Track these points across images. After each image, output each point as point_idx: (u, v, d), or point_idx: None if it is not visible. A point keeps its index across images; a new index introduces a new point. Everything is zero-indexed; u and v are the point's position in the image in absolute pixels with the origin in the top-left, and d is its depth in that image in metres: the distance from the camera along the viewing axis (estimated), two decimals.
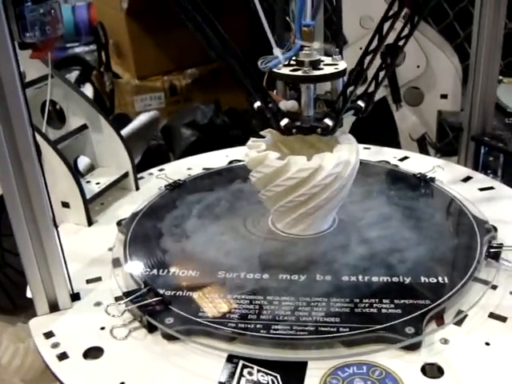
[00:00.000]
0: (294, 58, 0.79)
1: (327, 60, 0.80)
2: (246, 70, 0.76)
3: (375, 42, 0.76)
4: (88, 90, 1.98)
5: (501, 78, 1.34)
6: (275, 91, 0.81)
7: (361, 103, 0.82)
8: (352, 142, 0.79)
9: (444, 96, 1.53)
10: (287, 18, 0.77)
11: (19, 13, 0.71)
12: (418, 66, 1.53)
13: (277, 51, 0.77)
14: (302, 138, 0.82)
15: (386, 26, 0.75)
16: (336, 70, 0.78)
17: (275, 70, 0.78)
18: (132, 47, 2.17)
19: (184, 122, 1.93)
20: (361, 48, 0.78)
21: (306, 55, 0.77)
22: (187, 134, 1.91)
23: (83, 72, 2.11)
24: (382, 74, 0.81)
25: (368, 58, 0.77)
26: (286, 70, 0.78)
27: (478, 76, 1.11)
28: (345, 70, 0.79)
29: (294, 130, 0.78)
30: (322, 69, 0.78)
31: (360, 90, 0.81)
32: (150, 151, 1.81)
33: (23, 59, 0.88)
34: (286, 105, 0.79)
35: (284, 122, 0.78)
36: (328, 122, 0.77)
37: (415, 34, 1.48)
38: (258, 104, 0.80)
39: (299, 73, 0.77)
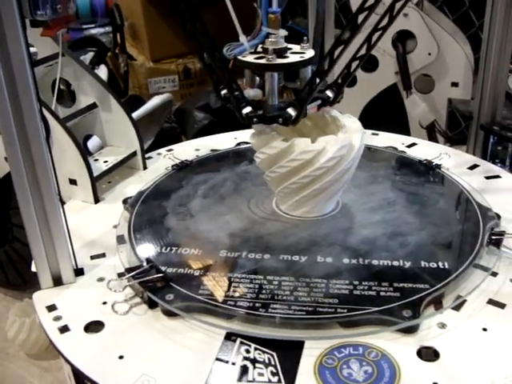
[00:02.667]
0: (261, 45, 0.77)
1: (296, 48, 0.79)
2: (213, 56, 0.75)
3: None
4: (103, 71, 1.98)
5: None
6: (244, 79, 0.80)
7: (329, 93, 0.81)
8: (357, 126, 0.79)
9: (455, 84, 1.53)
10: (254, 5, 0.75)
11: None
12: (430, 54, 1.53)
13: (242, 38, 0.76)
14: (308, 120, 0.82)
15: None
16: (301, 59, 0.76)
17: (240, 57, 0.77)
18: (147, 30, 2.18)
19: (197, 106, 1.93)
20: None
21: (272, 43, 0.76)
22: (200, 117, 1.91)
23: (98, 53, 2.11)
24: (354, 64, 0.80)
25: (339, 49, 0.76)
26: (251, 58, 0.77)
27: (488, 65, 1.11)
28: (311, 58, 0.77)
29: (254, 119, 0.77)
30: (287, 57, 0.77)
31: None
32: (162, 134, 1.81)
33: (35, 37, 0.89)
34: (250, 93, 0.78)
35: (246, 110, 0.77)
36: (291, 111, 0.76)
37: (427, 21, 1.50)
38: (224, 91, 0.79)
39: (263, 61, 0.75)
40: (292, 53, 0.78)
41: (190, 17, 0.71)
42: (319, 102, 0.80)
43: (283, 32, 0.76)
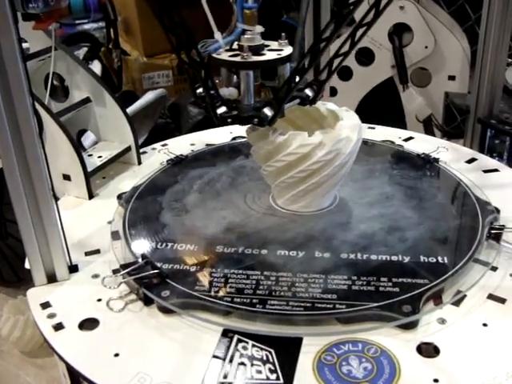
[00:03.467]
0: (237, 42, 0.75)
1: (273, 45, 0.77)
2: (190, 51, 0.71)
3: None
4: (96, 66, 1.97)
5: (510, 60, 1.33)
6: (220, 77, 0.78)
7: (308, 92, 0.78)
8: (354, 119, 0.78)
9: (452, 77, 1.52)
10: (230, 0, 0.73)
11: None
12: (426, 47, 1.52)
13: (217, 35, 0.74)
14: (305, 113, 0.82)
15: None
16: (278, 56, 0.74)
17: (215, 55, 0.75)
18: (140, 24, 2.16)
19: (191, 101, 1.91)
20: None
21: (248, 40, 0.74)
22: (194, 112, 1.90)
23: (92, 49, 2.10)
24: (336, 61, 0.77)
25: (321, 45, 0.71)
26: (225, 56, 0.74)
27: (486, 58, 1.11)
28: (288, 56, 0.75)
29: (229, 120, 0.74)
30: (263, 54, 0.74)
31: None
32: (156, 129, 1.80)
33: (27, 31, 0.88)
34: (225, 92, 0.76)
35: (220, 110, 0.74)
36: (267, 111, 0.73)
37: (424, 14, 1.49)
38: (200, 90, 0.76)
39: (237, 58, 0.73)
40: (269, 50, 0.76)
41: (168, 8, 0.68)
42: (298, 101, 0.78)
43: (259, 28, 0.74)
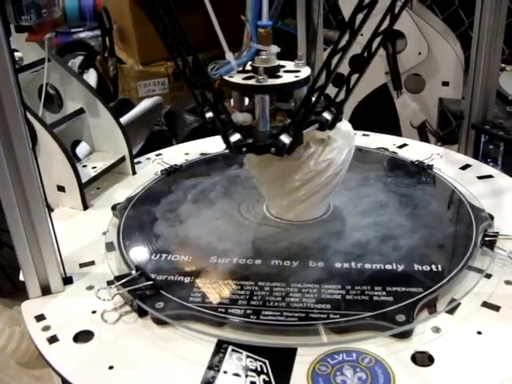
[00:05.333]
0: (250, 63, 0.70)
1: (289, 66, 0.72)
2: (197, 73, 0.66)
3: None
4: (92, 75, 1.97)
5: (503, 66, 1.33)
6: (232, 101, 0.72)
7: (327, 115, 0.72)
8: (347, 128, 0.78)
9: (445, 83, 1.52)
10: (242, 17, 0.67)
11: None
12: (420, 53, 1.52)
13: (229, 56, 0.68)
14: None
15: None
16: (296, 79, 0.69)
17: (227, 77, 0.70)
18: (136, 33, 2.17)
19: (187, 108, 1.92)
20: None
21: (263, 61, 0.69)
22: (190, 119, 1.90)
23: (87, 57, 2.10)
24: (353, 78, 0.70)
25: (336, 58, 0.66)
26: (238, 78, 0.69)
27: (479, 64, 1.10)
28: (307, 78, 0.70)
29: (244, 149, 0.70)
30: (280, 76, 0.69)
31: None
32: (153, 137, 1.80)
33: (21, 43, 0.88)
34: (238, 117, 0.71)
35: (234, 137, 0.70)
36: (284, 139, 0.69)
37: (417, 20, 1.49)
38: (210, 114, 0.72)
39: (252, 81, 0.68)
40: (285, 71, 0.70)
41: (171, 25, 0.64)
42: (316, 125, 0.72)
43: (275, 48, 0.69)
